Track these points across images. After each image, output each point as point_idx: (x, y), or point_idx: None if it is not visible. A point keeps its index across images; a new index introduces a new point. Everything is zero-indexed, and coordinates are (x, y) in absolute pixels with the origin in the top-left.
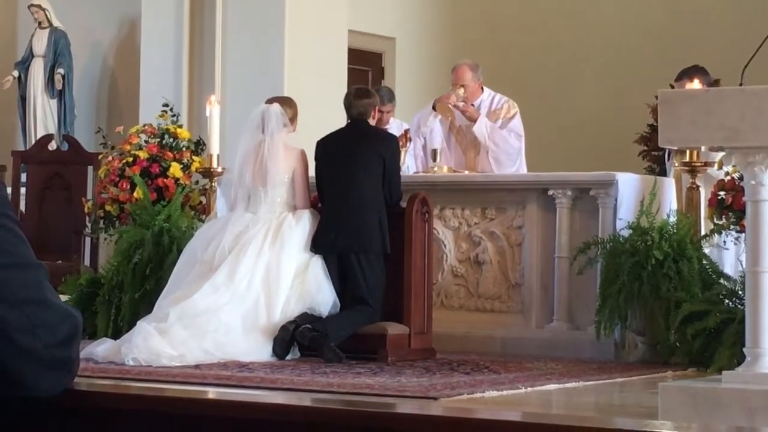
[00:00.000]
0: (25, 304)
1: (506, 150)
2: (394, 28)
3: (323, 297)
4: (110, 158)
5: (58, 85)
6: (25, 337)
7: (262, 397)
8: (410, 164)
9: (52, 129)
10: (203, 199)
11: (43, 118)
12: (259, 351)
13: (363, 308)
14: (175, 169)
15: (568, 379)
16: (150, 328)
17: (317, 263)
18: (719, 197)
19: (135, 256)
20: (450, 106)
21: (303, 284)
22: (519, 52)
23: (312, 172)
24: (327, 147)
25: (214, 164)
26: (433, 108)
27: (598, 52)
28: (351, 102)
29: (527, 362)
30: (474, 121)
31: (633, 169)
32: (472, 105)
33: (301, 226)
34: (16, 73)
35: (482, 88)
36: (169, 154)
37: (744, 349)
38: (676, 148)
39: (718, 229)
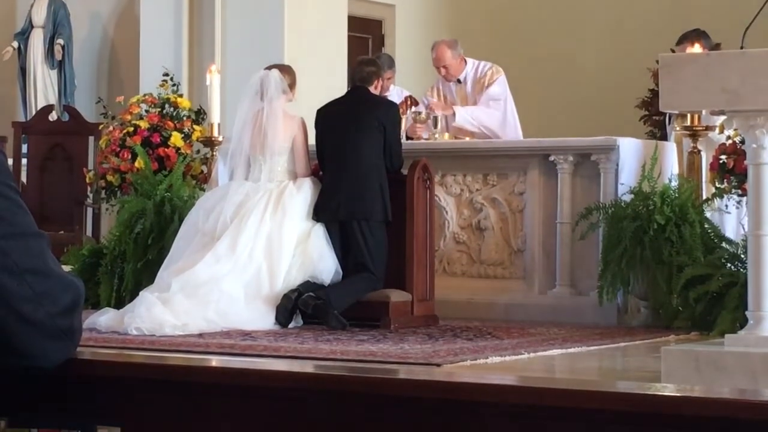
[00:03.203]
0: (28, 274)
1: (493, 118)
2: None
3: (325, 265)
4: (111, 128)
5: (58, 56)
6: (28, 306)
7: (266, 365)
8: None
9: (53, 99)
10: (204, 169)
11: (44, 88)
12: (262, 319)
13: (365, 276)
14: (176, 138)
15: (571, 345)
16: (153, 298)
17: (319, 231)
18: (721, 161)
19: (137, 226)
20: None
21: (305, 253)
22: (519, 17)
23: (312, 140)
24: (327, 114)
25: (215, 133)
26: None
27: (599, 16)
28: (355, 68)
29: (530, 328)
30: (452, 114)
31: (634, 133)
32: (458, 81)
33: (302, 194)
34: (15, 44)
35: (465, 61)
36: (170, 123)
37: (746, 313)
38: (677, 112)
39: (719, 193)
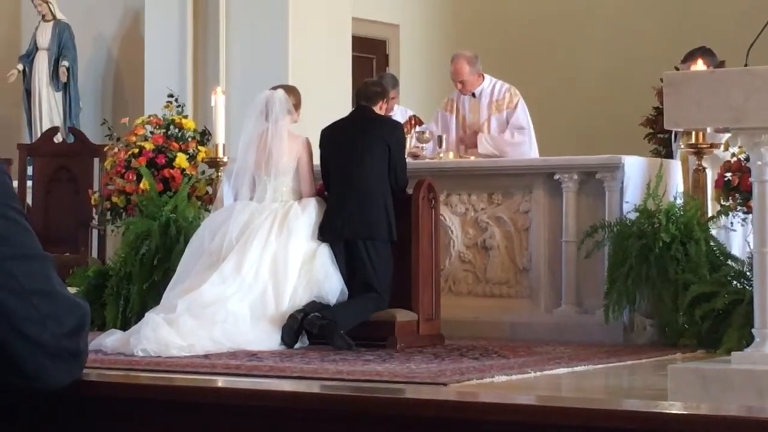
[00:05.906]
0: (33, 295)
1: (517, 151)
2: (398, 14)
3: (331, 285)
4: (116, 150)
5: (63, 78)
6: (34, 327)
7: (272, 386)
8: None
9: (58, 121)
10: (210, 189)
11: (49, 110)
12: (268, 340)
13: (371, 295)
14: (181, 159)
15: (578, 363)
16: (159, 319)
17: (324, 251)
18: (726, 178)
19: (142, 248)
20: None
21: (310, 273)
22: (522, 36)
23: (317, 160)
24: (332, 134)
25: (220, 154)
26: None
27: (603, 35)
28: (360, 88)
29: (536, 347)
30: (474, 145)
31: (639, 152)
32: (473, 95)
33: (307, 214)
34: (20, 67)
35: (483, 76)
36: (175, 144)
37: (753, 330)
38: (681, 129)
39: (725, 211)
